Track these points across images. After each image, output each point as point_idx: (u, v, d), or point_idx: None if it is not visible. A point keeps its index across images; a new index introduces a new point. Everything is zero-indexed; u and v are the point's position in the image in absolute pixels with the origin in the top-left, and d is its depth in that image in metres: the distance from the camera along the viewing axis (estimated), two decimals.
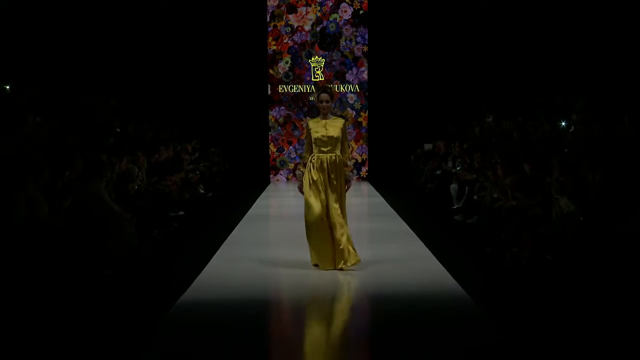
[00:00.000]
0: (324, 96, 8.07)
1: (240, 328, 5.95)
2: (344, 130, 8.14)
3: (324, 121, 8.08)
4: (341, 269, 7.79)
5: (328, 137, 8.00)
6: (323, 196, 7.91)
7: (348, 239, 7.92)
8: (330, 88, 8.31)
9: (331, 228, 7.85)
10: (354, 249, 7.97)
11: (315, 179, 7.93)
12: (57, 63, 15.99)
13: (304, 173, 8.11)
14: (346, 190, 8.11)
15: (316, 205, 7.87)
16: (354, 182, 8.28)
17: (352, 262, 7.88)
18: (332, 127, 8.06)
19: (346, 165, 8.13)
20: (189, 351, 5.34)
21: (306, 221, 7.95)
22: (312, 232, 7.89)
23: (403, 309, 6.44)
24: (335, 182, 7.97)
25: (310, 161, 8.05)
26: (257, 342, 5.65)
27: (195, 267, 8.19)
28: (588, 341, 5.61)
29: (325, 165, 7.97)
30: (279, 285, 7.72)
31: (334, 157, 8.02)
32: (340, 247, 7.79)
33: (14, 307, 6.26)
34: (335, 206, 7.91)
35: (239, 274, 8.03)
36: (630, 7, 13.74)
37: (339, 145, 8.06)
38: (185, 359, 5.17)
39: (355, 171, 8.07)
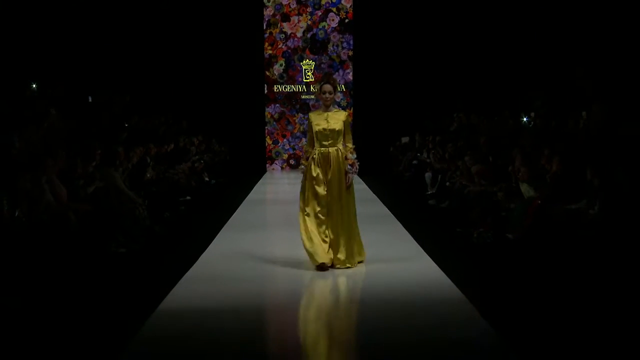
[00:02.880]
0: (327, 87, 6.87)
1: (241, 299, 5.95)
2: (346, 122, 6.96)
3: (325, 114, 6.92)
4: (334, 267, 6.85)
5: (330, 130, 6.84)
6: (323, 192, 6.81)
7: (348, 239, 6.86)
8: (334, 79, 7.00)
9: (329, 225, 6.83)
10: (351, 251, 6.89)
11: (314, 174, 6.82)
12: (77, 63, 15.85)
13: (305, 167, 6.94)
14: (347, 184, 6.86)
15: (314, 202, 6.82)
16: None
17: (347, 264, 6.87)
18: (334, 119, 6.89)
19: (346, 158, 6.89)
20: (194, 322, 5.33)
21: (303, 217, 6.90)
22: (308, 228, 6.82)
23: (382, 283, 6.43)
24: (337, 178, 6.82)
25: (312, 156, 6.90)
26: (256, 313, 5.66)
27: (200, 246, 8.17)
28: (543, 308, 5.64)
29: (326, 159, 6.84)
30: (274, 262, 7.66)
31: (335, 151, 6.86)
32: (337, 245, 6.82)
33: (38, 279, 6.24)
34: (336, 204, 6.83)
35: (240, 251, 8.00)
36: (584, 12, 13.63)
37: (341, 139, 6.89)
38: (190, 329, 5.16)
39: (357, 164, 7.02)
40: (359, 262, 7.00)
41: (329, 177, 6.82)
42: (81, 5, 16.08)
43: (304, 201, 6.90)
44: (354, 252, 6.93)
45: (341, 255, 6.83)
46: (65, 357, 4.64)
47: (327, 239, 6.82)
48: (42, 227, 6.78)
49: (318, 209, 6.82)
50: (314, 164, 6.85)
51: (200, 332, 5.03)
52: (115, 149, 9.76)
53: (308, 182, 6.88)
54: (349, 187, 6.89)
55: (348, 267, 6.85)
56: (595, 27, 13.14)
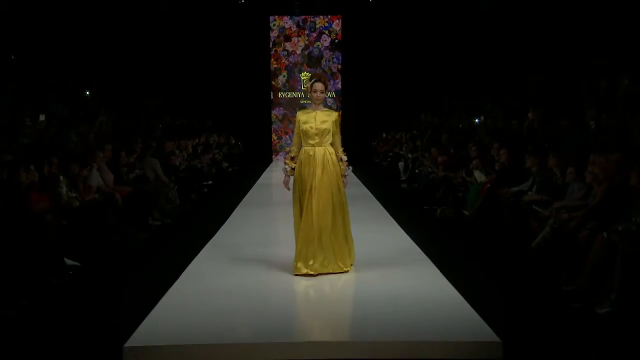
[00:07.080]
0: (318, 85, 5.30)
1: (253, 261, 5.97)
2: (336, 123, 5.38)
3: (314, 112, 5.34)
4: (321, 273, 5.21)
5: (317, 129, 5.26)
6: (308, 195, 5.18)
7: (339, 244, 5.26)
8: (325, 78, 5.50)
9: (316, 229, 5.16)
10: (341, 255, 5.28)
11: (300, 176, 5.26)
12: (123, 74, 15.74)
13: (288, 167, 5.40)
14: (345, 185, 5.38)
15: (298, 209, 5.29)
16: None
17: (333, 269, 5.27)
18: (323, 119, 5.31)
19: (340, 160, 5.35)
20: (217, 280, 5.36)
21: (294, 222, 5.38)
22: (299, 233, 5.25)
23: (364, 250, 6.43)
24: (323, 179, 5.20)
25: (299, 157, 5.33)
26: (264, 272, 5.69)
27: (220, 219, 8.19)
28: (492, 267, 5.69)
29: (312, 159, 5.24)
30: (278, 232, 7.64)
31: (322, 151, 5.27)
32: (325, 250, 5.20)
33: (92, 246, 6.28)
34: (322, 207, 5.16)
35: (251, 223, 8.06)
36: (529, 23, 13.47)
37: (329, 139, 5.30)
38: (214, 286, 5.19)
39: (350, 167, 5.35)
40: (344, 272, 5.29)
41: (316, 177, 5.20)
42: (128, 29, 15.96)
43: (294, 206, 5.37)
44: (344, 255, 5.33)
45: (327, 261, 5.23)
46: (115, 302, 4.69)
47: (307, 254, 5.20)
48: (94, 205, 6.80)
49: (302, 217, 5.23)
50: (301, 166, 5.27)
51: (223, 287, 5.06)
52: (151, 143, 9.76)
53: (294, 185, 5.34)
54: (344, 186, 5.38)
55: (335, 272, 5.27)
56: (537, 43, 13.07)
